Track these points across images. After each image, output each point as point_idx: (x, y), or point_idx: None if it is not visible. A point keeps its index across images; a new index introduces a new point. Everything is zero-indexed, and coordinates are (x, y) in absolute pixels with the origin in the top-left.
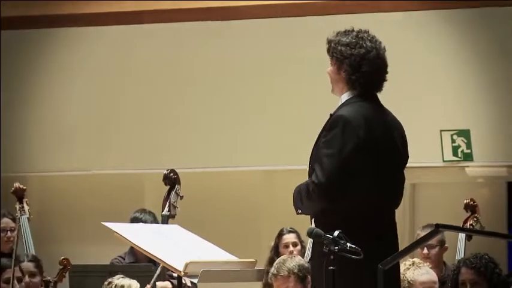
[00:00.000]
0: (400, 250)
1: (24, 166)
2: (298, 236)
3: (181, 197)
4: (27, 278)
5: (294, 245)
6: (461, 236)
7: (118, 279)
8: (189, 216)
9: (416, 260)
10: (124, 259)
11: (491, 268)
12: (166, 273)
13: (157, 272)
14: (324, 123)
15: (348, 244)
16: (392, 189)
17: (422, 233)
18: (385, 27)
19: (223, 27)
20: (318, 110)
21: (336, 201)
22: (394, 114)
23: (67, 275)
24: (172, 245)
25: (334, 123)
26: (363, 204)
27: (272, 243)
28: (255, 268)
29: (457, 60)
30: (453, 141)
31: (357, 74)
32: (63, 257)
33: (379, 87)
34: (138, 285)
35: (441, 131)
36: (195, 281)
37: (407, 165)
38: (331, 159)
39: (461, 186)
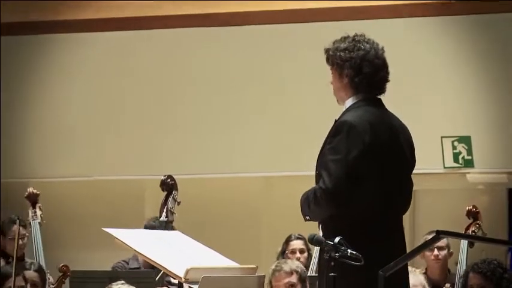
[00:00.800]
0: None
1: (25, 172)
2: (306, 243)
3: (179, 203)
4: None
5: (301, 251)
6: (464, 243)
7: (118, 286)
8: (189, 222)
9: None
10: (128, 264)
11: (499, 273)
12: (165, 279)
13: (157, 278)
14: (329, 130)
15: (349, 250)
16: (399, 194)
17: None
18: (386, 32)
19: (223, 33)
20: (318, 116)
21: (344, 207)
22: None
23: (67, 281)
24: (173, 251)
25: (339, 128)
26: (370, 209)
27: (279, 249)
28: (256, 274)
29: (458, 69)
30: (454, 147)
31: (359, 76)
32: (62, 264)
33: (382, 88)
34: None
35: (442, 137)
36: (196, 287)
37: None
38: (338, 165)
39: (462, 193)
